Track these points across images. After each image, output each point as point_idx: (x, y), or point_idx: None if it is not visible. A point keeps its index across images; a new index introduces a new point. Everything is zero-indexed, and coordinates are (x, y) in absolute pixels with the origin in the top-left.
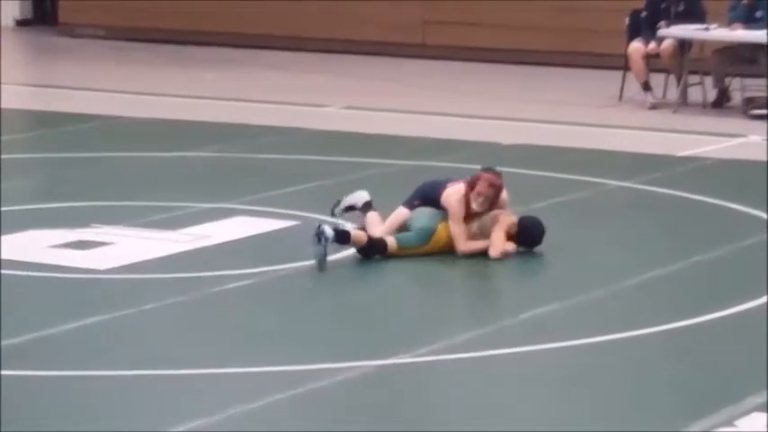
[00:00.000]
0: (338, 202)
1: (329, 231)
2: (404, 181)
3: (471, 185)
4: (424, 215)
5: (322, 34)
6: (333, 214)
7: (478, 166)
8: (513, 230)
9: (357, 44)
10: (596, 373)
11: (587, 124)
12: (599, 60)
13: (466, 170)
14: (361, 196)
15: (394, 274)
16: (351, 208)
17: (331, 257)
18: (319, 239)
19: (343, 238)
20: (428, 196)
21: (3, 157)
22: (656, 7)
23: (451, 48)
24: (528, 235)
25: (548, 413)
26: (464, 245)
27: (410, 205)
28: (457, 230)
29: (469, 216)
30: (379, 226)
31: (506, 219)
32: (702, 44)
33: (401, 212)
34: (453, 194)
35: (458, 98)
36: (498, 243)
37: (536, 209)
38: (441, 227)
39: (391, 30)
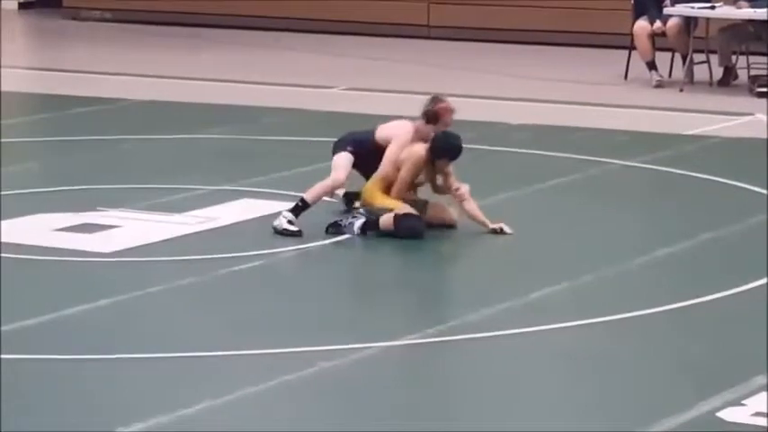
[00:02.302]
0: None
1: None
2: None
3: (433, 120)
4: None
5: (326, 15)
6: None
7: (484, 146)
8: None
9: (361, 25)
10: (605, 352)
11: (593, 104)
12: (604, 39)
13: (471, 150)
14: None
15: (403, 255)
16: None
17: (338, 238)
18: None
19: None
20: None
21: (8, 140)
22: None
23: (457, 28)
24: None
25: (557, 392)
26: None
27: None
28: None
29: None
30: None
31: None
32: (708, 22)
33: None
34: (404, 135)
35: (463, 78)
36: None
37: (542, 188)
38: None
39: (396, 10)
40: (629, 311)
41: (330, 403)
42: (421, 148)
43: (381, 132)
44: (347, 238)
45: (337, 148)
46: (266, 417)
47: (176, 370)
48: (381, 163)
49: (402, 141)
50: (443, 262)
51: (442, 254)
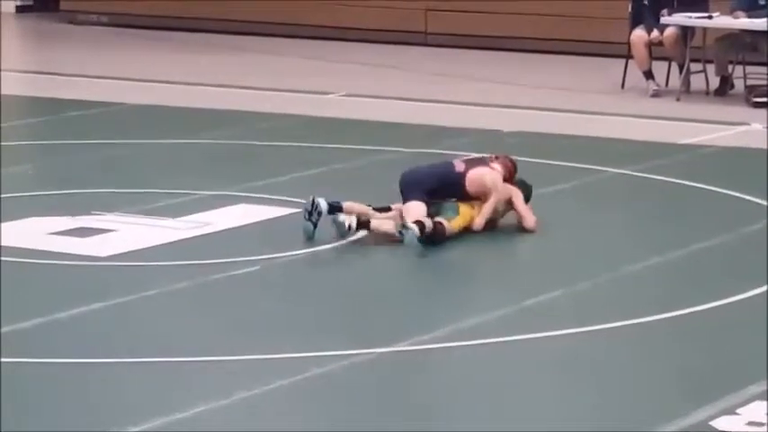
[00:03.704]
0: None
1: (323, 204)
2: (404, 167)
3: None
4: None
5: (324, 21)
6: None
7: (480, 154)
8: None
9: (359, 32)
10: (600, 359)
11: (589, 112)
12: (601, 48)
13: (470, 155)
14: (350, 218)
15: (398, 261)
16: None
17: (335, 244)
18: (311, 214)
19: (335, 209)
20: (444, 187)
21: (4, 144)
22: None
23: (454, 35)
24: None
25: (552, 399)
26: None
27: (421, 198)
28: (490, 208)
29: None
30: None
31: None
32: (705, 32)
33: (419, 206)
34: (498, 178)
35: (459, 85)
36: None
37: (537, 196)
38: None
39: (393, 17)
40: (625, 319)
41: (324, 409)
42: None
43: (473, 183)
44: (343, 244)
45: (412, 187)
46: (260, 421)
47: (171, 374)
48: (480, 214)
49: (502, 195)
50: (439, 268)
51: (437, 260)
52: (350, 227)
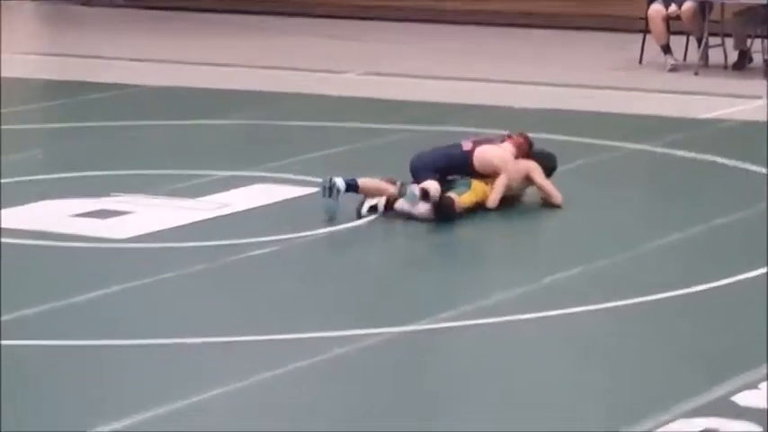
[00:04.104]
0: (362, 202)
1: (341, 183)
2: (423, 147)
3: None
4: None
5: (343, 0)
6: (359, 215)
7: (498, 131)
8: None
9: (378, 9)
10: (619, 336)
11: (607, 87)
12: (619, 23)
13: (481, 135)
14: (380, 199)
15: (417, 240)
16: (373, 208)
17: (353, 223)
18: (330, 192)
19: (353, 188)
20: (453, 167)
21: (23, 127)
22: None
23: (471, 12)
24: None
25: (570, 377)
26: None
27: (433, 178)
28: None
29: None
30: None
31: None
32: (723, 6)
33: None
34: (506, 155)
35: (476, 62)
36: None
37: (556, 172)
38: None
39: None
40: (644, 296)
41: (343, 389)
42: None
43: (480, 161)
44: (361, 224)
45: (422, 169)
46: (279, 402)
47: (189, 355)
48: (493, 191)
49: (511, 172)
50: (457, 247)
51: (456, 239)
52: (377, 208)
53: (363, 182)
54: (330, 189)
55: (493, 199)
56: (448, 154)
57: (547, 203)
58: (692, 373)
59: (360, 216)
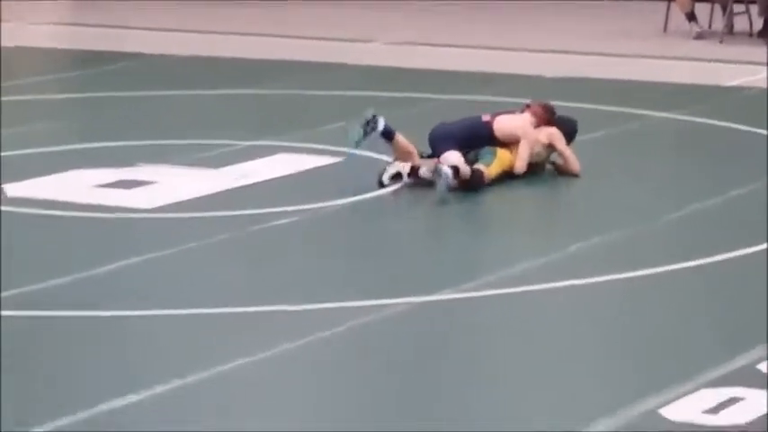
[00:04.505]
0: (384, 171)
1: (381, 123)
2: (448, 116)
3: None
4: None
5: None
6: (381, 184)
7: (523, 100)
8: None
9: None
10: (642, 306)
11: (632, 55)
12: None
13: (509, 103)
14: (403, 165)
15: (439, 209)
16: (398, 176)
17: (377, 192)
18: (367, 124)
19: (388, 135)
20: (473, 138)
21: (47, 97)
22: None
23: None
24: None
25: (593, 346)
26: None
27: (455, 148)
28: (526, 150)
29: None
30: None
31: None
32: None
33: (455, 154)
34: (526, 124)
35: (502, 32)
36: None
37: (581, 141)
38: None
39: None
40: (666, 265)
41: (366, 359)
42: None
43: (500, 129)
44: (383, 194)
45: (443, 140)
46: (301, 372)
47: (212, 326)
48: (518, 157)
49: (532, 139)
50: (478, 217)
51: (477, 209)
52: (400, 176)
53: (399, 137)
54: (368, 123)
55: (519, 165)
56: (468, 125)
57: (564, 172)
58: (715, 342)
59: (382, 185)
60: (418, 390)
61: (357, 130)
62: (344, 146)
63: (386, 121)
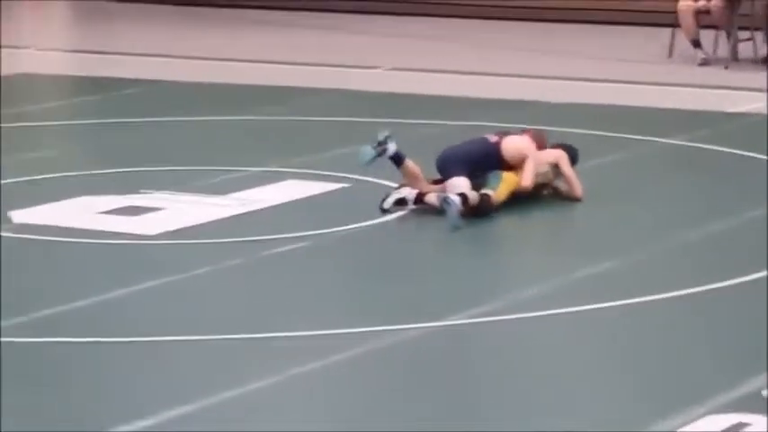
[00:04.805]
0: (386, 196)
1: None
2: (452, 141)
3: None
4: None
5: None
6: (383, 210)
7: (526, 125)
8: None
9: (402, 5)
10: (645, 333)
11: (637, 82)
12: (649, 17)
13: (517, 131)
14: (409, 191)
15: (448, 234)
16: (401, 201)
17: (385, 218)
18: (378, 145)
19: (398, 160)
20: (481, 160)
21: (53, 123)
22: None
23: (498, 7)
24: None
25: (597, 374)
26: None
27: (462, 173)
28: (531, 166)
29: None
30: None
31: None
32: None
33: (462, 180)
34: (531, 143)
35: (506, 57)
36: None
37: (587, 167)
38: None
39: None
40: (674, 291)
41: (378, 384)
42: (563, 153)
43: (508, 150)
44: (388, 221)
45: (451, 165)
46: (314, 398)
47: (223, 352)
48: (524, 172)
49: (538, 157)
50: (489, 240)
51: (486, 232)
52: (405, 201)
53: (408, 163)
54: (380, 144)
55: (525, 178)
56: (476, 147)
57: (566, 197)
58: (722, 368)
59: (383, 211)
60: (429, 414)
61: (369, 151)
62: (350, 172)
63: (397, 146)
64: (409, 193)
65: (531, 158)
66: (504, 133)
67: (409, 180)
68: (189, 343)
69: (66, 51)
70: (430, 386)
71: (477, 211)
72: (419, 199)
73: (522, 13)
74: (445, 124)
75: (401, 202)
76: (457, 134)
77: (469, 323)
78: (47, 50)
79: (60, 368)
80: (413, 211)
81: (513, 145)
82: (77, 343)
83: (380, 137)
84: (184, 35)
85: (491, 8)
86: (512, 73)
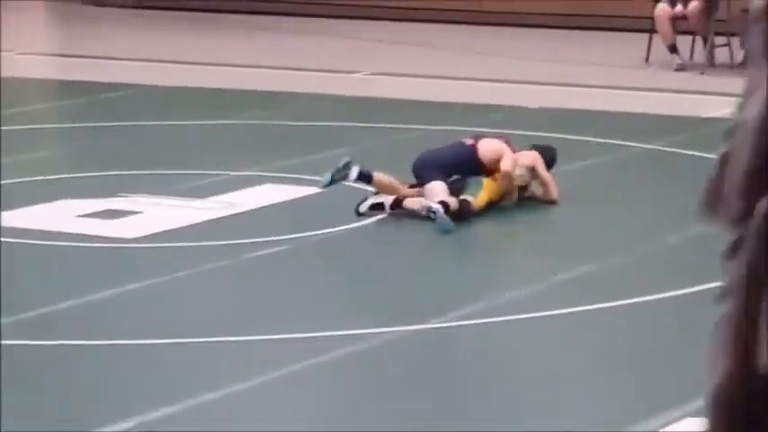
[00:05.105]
0: (363, 200)
1: (354, 173)
2: (431, 146)
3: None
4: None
5: (350, 0)
6: (358, 213)
7: (506, 131)
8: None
9: (384, 9)
10: (631, 334)
11: (614, 87)
12: (626, 23)
13: (491, 135)
14: (387, 196)
15: (428, 237)
16: (378, 206)
17: (364, 221)
18: (339, 172)
19: (366, 178)
20: (458, 163)
21: (32, 127)
22: None
23: (478, 12)
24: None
25: (583, 374)
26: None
27: (439, 178)
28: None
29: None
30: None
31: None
32: (729, 4)
33: (439, 185)
34: (504, 145)
35: (484, 63)
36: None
37: (565, 172)
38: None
39: None
40: (651, 294)
41: (358, 387)
42: (538, 156)
43: (485, 151)
44: (370, 222)
45: (428, 169)
46: (294, 400)
47: (202, 354)
48: (500, 178)
49: (512, 156)
50: (470, 243)
51: (467, 235)
52: (382, 206)
53: (378, 177)
54: (339, 171)
55: (505, 163)
56: (452, 151)
57: (541, 200)
58: (704, 370)
59: (358, 214)
60: (414, 415)
61: (327, 177)
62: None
63: (360, 167)
64: (387, 198)
65: (508, 156)
66: (480, 136)
67: (385, 192)
68: (168, 346)
69: (47, 55)
70: (415, 388)
71: (457, 216)
72: (397, 204)
73: (499, 18)
74: (424, 129)
75: (378, 207)
76: (435, 139)
77: (453, 326)
78: (26, 54)
79: (40, 370)
80: (389, 216)
81: (490, 147)
82: (57, 346)
83: (341, 164)
84: (164, 39)
85: (467, 13)
86: (490, 78)
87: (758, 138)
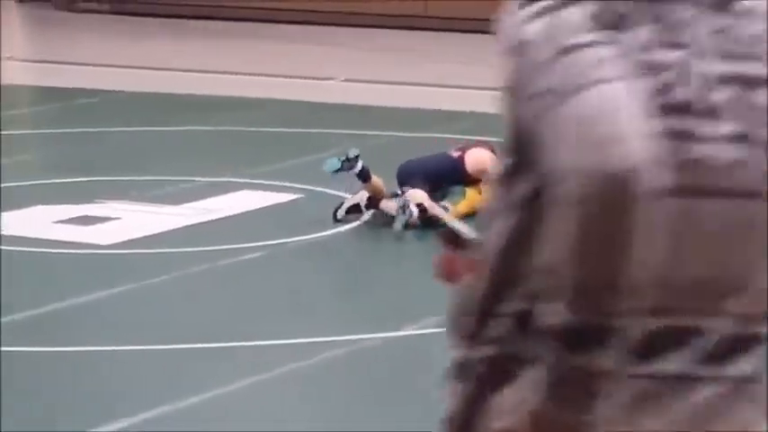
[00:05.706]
0: (339, 206)
1: (359, 167)
2: (406, 153)
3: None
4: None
5: (325, 7)
6: (335, 218)
7: (485, 137)
8: None
9: (358, 17)
10: None
11: None
12: None
13: (477, 144)
14: (361, 196)
15: (406, 244)
16: (355, 208)
17: (341, 227)
18: (346, 161)
19: (364, 176)
20: (443, 173)
21: (7, 132)
22: None
23: (455, 19)
24: None
25: None
26: None
27: (421, 186)
28: None
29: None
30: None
31: None
32: None
33: (420, 192)
34: (491, 155)
35: (461, 69)
36: None
37: None
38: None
39: (393, 2)
40: None
41: (332, 393)
42: None
43: (472, 163)
44: (348, 229)
45: (411, 177)
46: (268, 406)
47: (178, 360)
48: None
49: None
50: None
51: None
52: (359, 208)
53: (374, 180)
54: (349, 160)
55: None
56: (437, 162)
57: None
58: None
59: (336, 219)
60: (387, 422)
61: (335, 163)
62: (304, 183)
63: (364, 165)
64: (361, 198)
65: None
66: (467, 146)
67: (377, 193)
68: (143, 352)
69: (20, 61)
70: (383, 397)
71: (434, 221)
72: (373, 203)
73: (477, 26)
74: (401, 135)
75: (355, 209)
76: (412, 145)
77: (427, 333)
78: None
79: (18, 375)
80: (367, 222)
81: (477, 157)
82: (34, 352)
83: (351, 154)
84: (139, 45)
85: (444, 20)
86: (466, 85)
87: (496, 264)
